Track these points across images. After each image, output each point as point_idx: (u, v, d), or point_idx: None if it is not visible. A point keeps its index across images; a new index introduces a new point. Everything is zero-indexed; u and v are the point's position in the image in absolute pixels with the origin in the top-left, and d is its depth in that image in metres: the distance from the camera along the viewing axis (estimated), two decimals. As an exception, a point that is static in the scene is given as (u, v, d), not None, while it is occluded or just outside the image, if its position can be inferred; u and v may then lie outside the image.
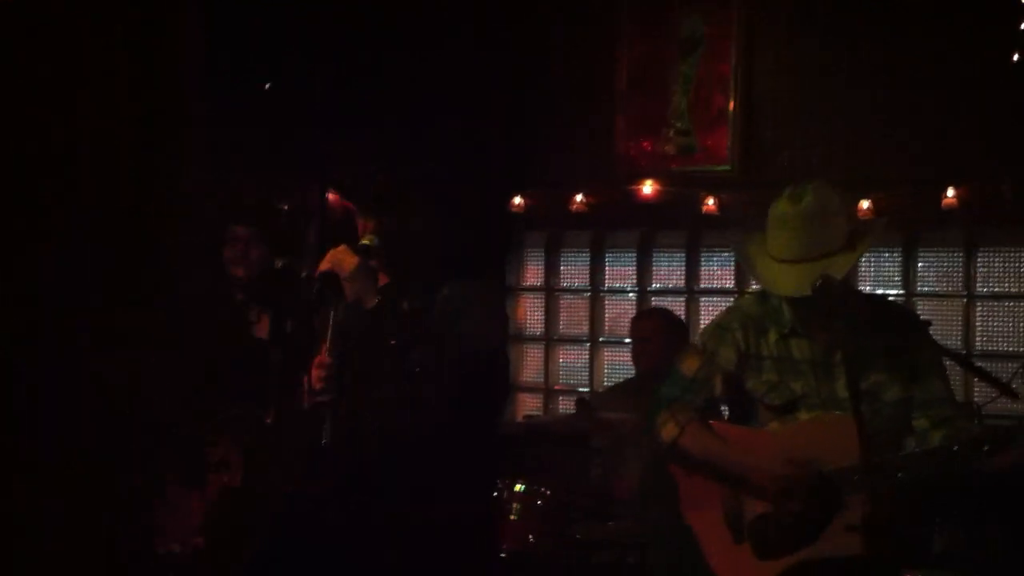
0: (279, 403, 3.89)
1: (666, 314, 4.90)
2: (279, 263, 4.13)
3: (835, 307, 2.87)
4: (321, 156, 5.47)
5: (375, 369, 2.87)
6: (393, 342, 2.80)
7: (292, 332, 4.00)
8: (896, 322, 3.02)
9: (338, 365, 2.83)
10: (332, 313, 2.84)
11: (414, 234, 2.99)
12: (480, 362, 2.91)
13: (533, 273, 5.96)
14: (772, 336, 3.02)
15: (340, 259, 2.86)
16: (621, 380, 5.24)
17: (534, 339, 5.92)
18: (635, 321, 4.86)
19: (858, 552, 2.76)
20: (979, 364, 4.30)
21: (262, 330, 4.02)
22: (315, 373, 2.83)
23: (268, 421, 3.85)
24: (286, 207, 5.49)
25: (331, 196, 5.53)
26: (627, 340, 4.95)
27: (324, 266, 2.87)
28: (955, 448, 2.74)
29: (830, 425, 2.90)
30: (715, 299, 5.59)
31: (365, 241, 2.93)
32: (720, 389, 3.07)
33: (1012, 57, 4.44)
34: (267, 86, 5.09)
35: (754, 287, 5.38)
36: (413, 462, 2.87)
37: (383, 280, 2.94)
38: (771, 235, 2.94)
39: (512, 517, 4.17)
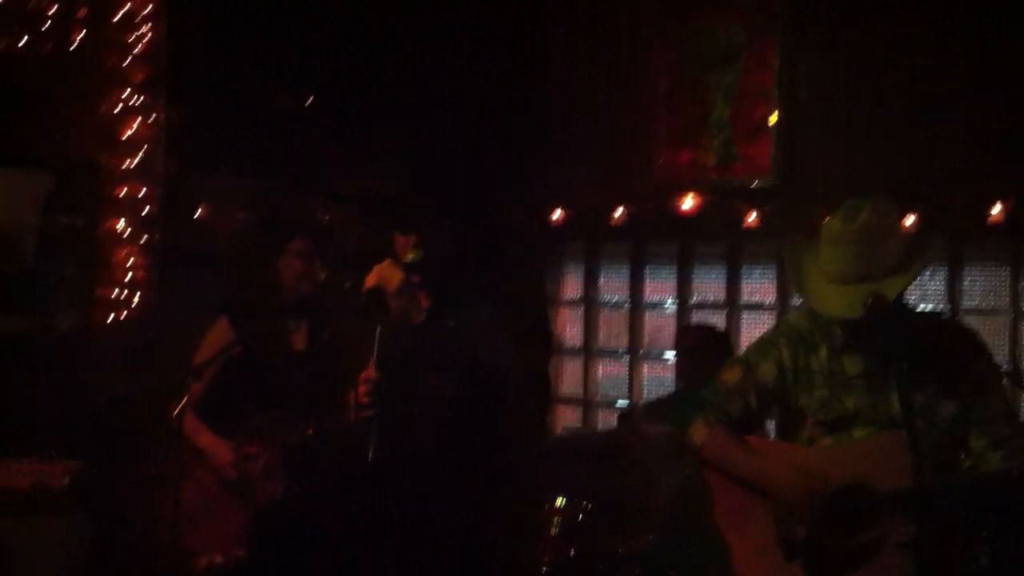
0: (319, 413, 3.90)
1: (711, 329, 4.88)
2: (323, 275, 4.14)
3: (887, 322, 2.83)
4: (354, 168, 5.50)
5: (422, 386, 2.86)
6: (438, 360, 2.79)
7: (329, 343, 4.01)
8: (952, 337, 2.96)
9: (384, 380, 2.82)
10: (379, 328, 2.83)
11: (457, 252, 2.98)
12: (522, 380, 2.90)
13: (573, 285, 5.93)
14: (823, 352, 2.98)
15: (387, 275, 2.85)
16: (662, 394, 5.21)
17: (574, 352, 5.89)
18: (680, 333, 4.84)
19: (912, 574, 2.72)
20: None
21: (300, 341, 4.03)
22: (361, 388, 2.82)
23: (309, 431, 3.86)
24: (327, 217, 5.52)
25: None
26: (667, 353, 4.92)
27: (370, 281, 2.87)
28: (1015, 474, 2.67)
29: (883, 443, 2.86)
30: (756, 313, 5.53)
31: (411, 255, 2.92)
32: (756, 403, 3.04)
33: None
34: (310, 100, 5.11)
35: (798, 300, 5.36)
36: (457, 477, 2.87)
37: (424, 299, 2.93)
38: (824, 251, 2.88)
39: (553, 531, 4.14)
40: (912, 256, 2.85)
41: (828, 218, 2.87)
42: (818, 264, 2.89)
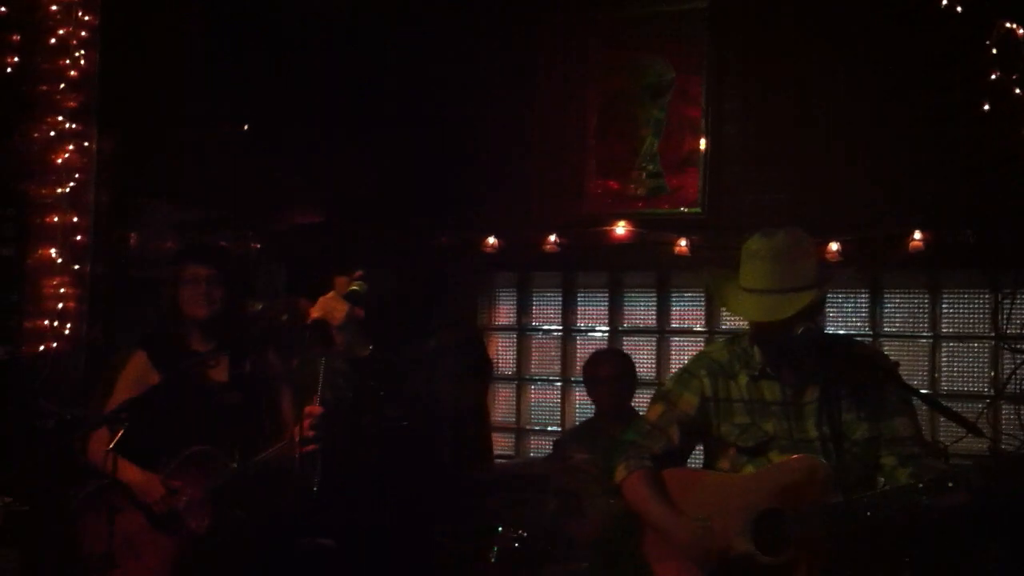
0: (245, 446, 3.89)
1: (616, 353, 5.05)
2: (257, 306, 4.13)
3: (804, 348, 2.98)
4: (290, 198, 5.51)
5: (367, 419, 2.88)
6: (383, 394, 2.82)
7: (252, 375, 4.00)
8: (864, 362, 3.10)
9: (328, 414, 2.82)
10: (323, 361, 2.84)
11: (399, 285, 3.01)
12: (467, 412, 2.94)
13: (505, 313, 5.99)
14: (742, 379, 3.11)
15: (331, 307, 2.85)
16: (584, 420, 5.29)
17: (506, 379, 5.94)
18: (588, 364, 4.92)
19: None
20: (945, 404, 4.39)
21: (220, 373, 4.01)
22: (306, 422, 2.82)
23: (233, 464, 3.84)
24: (257, 246, 5.51)
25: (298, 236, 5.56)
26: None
27: (315, 314, 2.87)
28: (920, 485, 2.81)
29: (800, 466, 2.97)
30: (685, 339, 5.64)
31: (354, 287, 2.92)
32: (678, 435, 3.17)
33: (982, 107, 4.55)
34: (244, 127, 5.12)
35: (725, 326, 5.48)
36: (401, 510, 2.89)
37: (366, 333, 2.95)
38: (743, 269, 3.07)
39: (492, 560, 4.18)
40: (821, 278, 3.03)
41: (748, 240, 3.07)
42: (737, 284, 3.08)
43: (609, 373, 4.78)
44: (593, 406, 4.90)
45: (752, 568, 2.92)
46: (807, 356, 3.00)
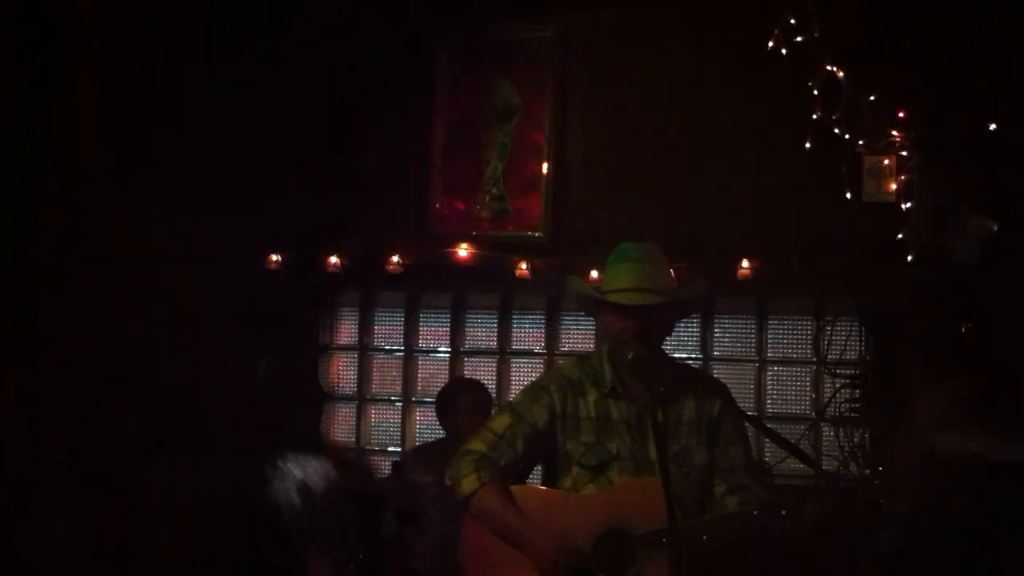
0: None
1: (476, 385, 5.04)
2: None
3: (647, 371, 3.06)
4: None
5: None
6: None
7: None
8: (705, 389, 3.22)
9: None
10: None
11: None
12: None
13: (347, 332, 5.95)
14: (592, 396, 3.17)
15: None
16: (430, 440, 5.30)
17: (346, 398, 5.90)
18: (447, 393, 4.93)
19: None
20: (770, 426, 4.60)
21: None
22: None
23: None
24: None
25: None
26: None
27: None
28: (755, 512, 2.94)
29: (640, 489, 3.06)
30: (525, 360, 5.72)
31: None
32: (524, 449, 3.19)
33: (805, 143, 4.80)
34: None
35: (564, 348, 5.59)
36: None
37: None
38: (610, 273, 3.14)
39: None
40: (683, 286, 3.22)
41: (611, 251, 3.18)
42: (600, 291, 3.15)
43: (469, 406, 4.76)
44: (435, 427, 4.90)
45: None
46: (652, 378, 3.08)
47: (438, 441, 5.01)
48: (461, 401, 4.82)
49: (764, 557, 3.11)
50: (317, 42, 5.53)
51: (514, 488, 3.20)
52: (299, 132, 5.56)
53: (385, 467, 5.56)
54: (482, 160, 5.60)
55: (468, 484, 3.14)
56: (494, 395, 5.61)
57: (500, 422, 3.23)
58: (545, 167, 5.52)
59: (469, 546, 3.20)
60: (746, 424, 3.39)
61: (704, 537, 2.95)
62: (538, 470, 3.45)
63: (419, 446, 5.43)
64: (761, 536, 2.97)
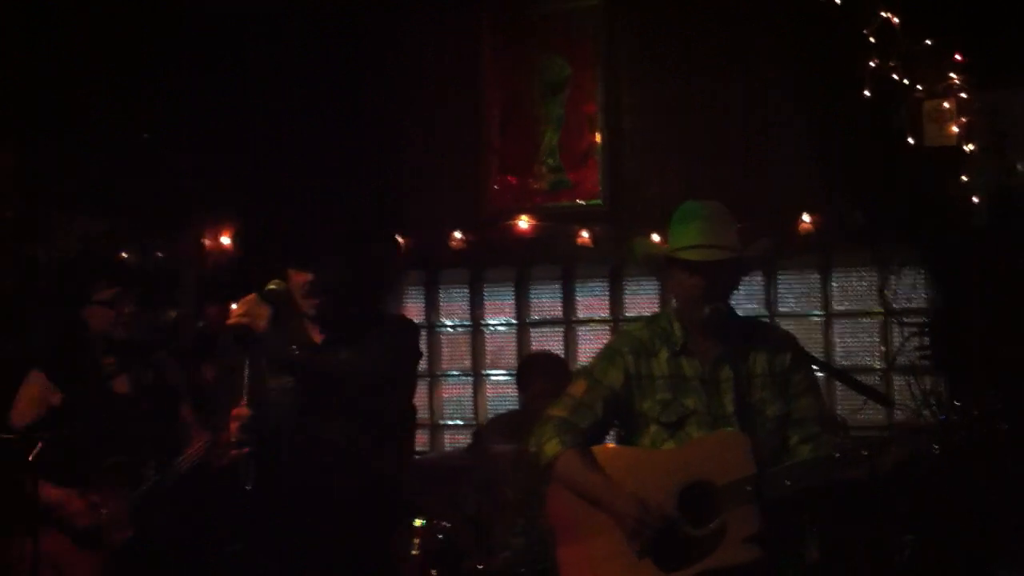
0: (158, 454, 3.90)
1: (549, 356, 5.10)
2: (172, 314, 4.13)
3: (722, 326, 3.11)
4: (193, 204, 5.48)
5: (319, 410, 2.92)
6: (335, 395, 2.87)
7: (156, 383, 4.01)
8: (775, 342, 3.26)
9: (257, 416, 2.85)
10: (247, 364, 2.86)
11: (338, 283, 3.06)
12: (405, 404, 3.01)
13: (414, 311, 6.05)
14: (663, 355, 3.21)
15: (255, 312, 2.87)
16: (508, 410, 5.38)
17: (418, 375, 5.98)
18: (527, 366, 5.00)
19: (754, 559, 2.98)
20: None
21: (122, 385, 4.02)
22: (233, 425, 2.85)
23: (151, 473, 3.85)
24: (160, 255, 5.47)
25: (208, 243, 5.54)
26: (506, 373, 5.08)
27: (235, 318, 2.89)
28: (837, 456, 2.98)
29: (720, 441, 3.11)
30: (591, 328, 5.79)
31: (272, 286, 2.96)
32: (603, 411, 3.23)
33: (863, 93, 4.78)
34: (145, 136, 5.07)
35: (629, 314, 5.64)
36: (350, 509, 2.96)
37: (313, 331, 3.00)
38: (676, 232, 3.16)
39: (414, 552, 4.24)
40: (747, 244, 3.19)
41: (677, 210, 3.19)
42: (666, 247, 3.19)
43: (547, 377, 4.73)
44: (506, 399, 4.97)
45: (681, 540, 3.04)
46: (724, 334, 3.12)
47: (514, 412, 5.09)
48: (537, 372, 4.88)
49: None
50: (365, 35, 5.61)
51: (595, 449, 3.25)
52: (366, 118, 5.64)
53: (462, 441, 5.66)
54: (537, 133, 5.65)
55: (551, 448, 3.17)
56: (563, 364, 5.69)
57: (579, 387, 3.27)
58: (599, 136, 5.55)
59: (555, 510, 3.26)
60: (817, 371, 3.41)
61: (787, 483, 3.00)
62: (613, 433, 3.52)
63: (496, 416, 5.51)
64: (842, 480, 3.01)
